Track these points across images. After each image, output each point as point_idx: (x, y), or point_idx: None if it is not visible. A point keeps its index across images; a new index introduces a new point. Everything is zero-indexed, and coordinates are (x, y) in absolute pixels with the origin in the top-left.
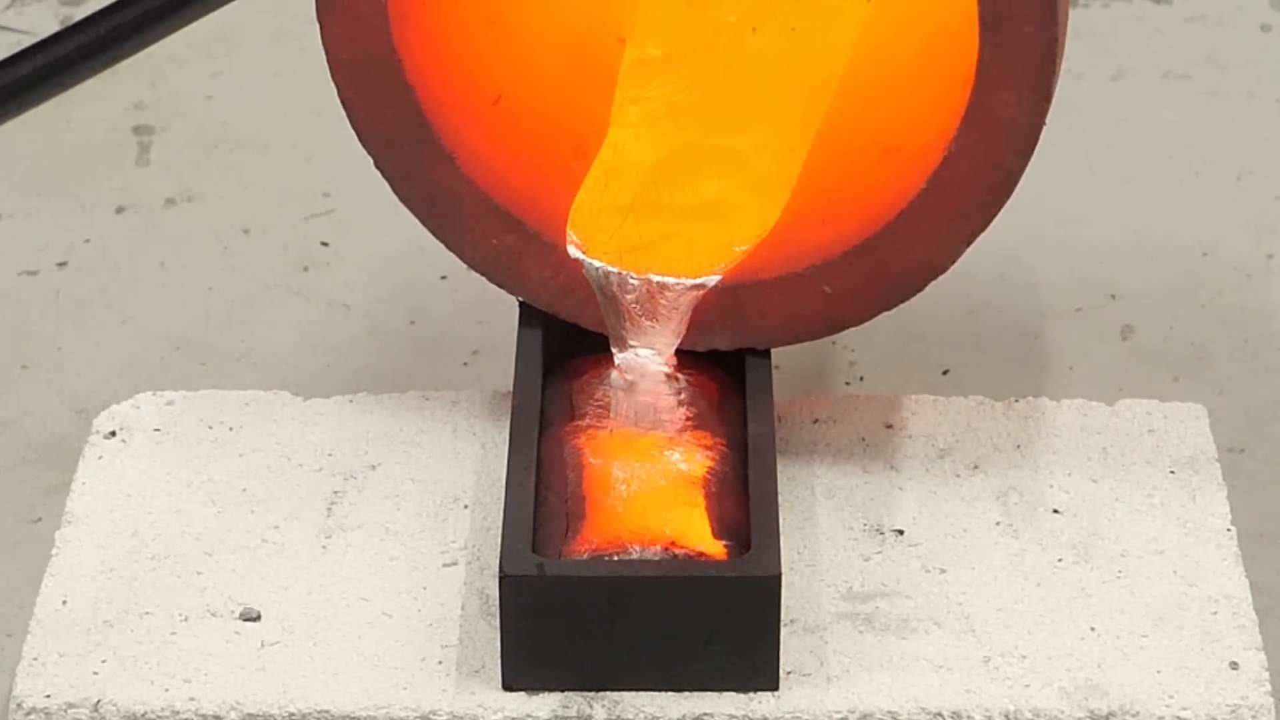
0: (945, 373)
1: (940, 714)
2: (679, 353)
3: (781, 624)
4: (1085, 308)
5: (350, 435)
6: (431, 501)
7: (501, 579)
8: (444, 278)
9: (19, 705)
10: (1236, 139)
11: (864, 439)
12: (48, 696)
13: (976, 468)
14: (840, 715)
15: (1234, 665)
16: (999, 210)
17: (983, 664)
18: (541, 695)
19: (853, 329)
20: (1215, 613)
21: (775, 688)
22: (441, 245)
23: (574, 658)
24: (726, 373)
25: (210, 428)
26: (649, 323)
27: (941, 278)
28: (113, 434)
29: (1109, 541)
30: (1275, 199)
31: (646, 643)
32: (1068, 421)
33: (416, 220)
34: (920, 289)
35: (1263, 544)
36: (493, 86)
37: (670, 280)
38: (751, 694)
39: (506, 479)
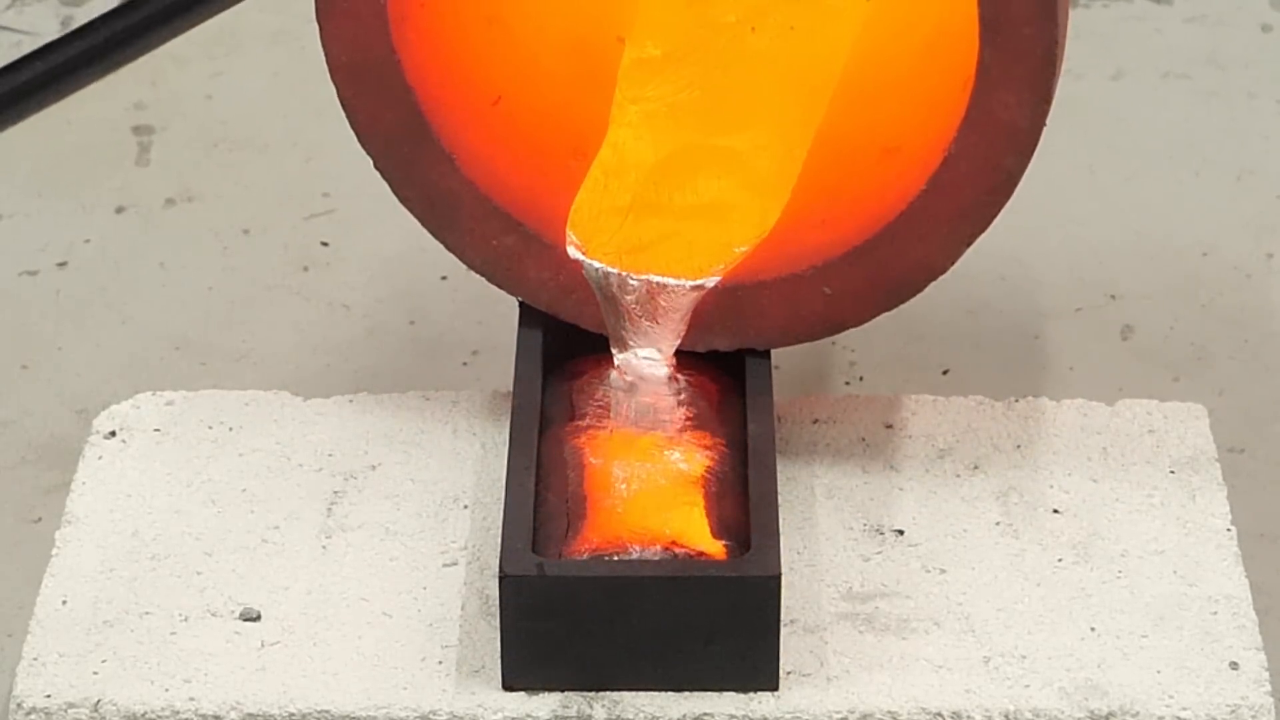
0: (945, 373)
1: (940, 714)
2: (679, 353)
3: (781, 624)
4: (1085, 308)
5: (350, 435)
6: (431, 501)
7: (501, 579)
8: (444, 278)
9: (19, 705)
10: (1236, 139)
11: (864, 439)
12: (48, 696)
13: (976, 468)
14: (840, 715)
15: (1234, 665)
16: (999, 211)
17: (983, 664)
18: (541, 695)
19: (852, 329)
20: (1215, 613)
21: (775, 688)
22: (441, 245)
23: (574, 658)
24: (726, 373)
25: (210, 428)
26: (649, 323)
27: (941, 278)
28: (113, 434)
29: (1109, 541)
30: (1275, 199)
31: (646, 643)
32: (1068, 421)
33: (416, 221)
34: (920, 290)
35: (1263, 544)
36: (492, 87)
37: (670, 281)
38: (751, 694)
39: (506, 479)
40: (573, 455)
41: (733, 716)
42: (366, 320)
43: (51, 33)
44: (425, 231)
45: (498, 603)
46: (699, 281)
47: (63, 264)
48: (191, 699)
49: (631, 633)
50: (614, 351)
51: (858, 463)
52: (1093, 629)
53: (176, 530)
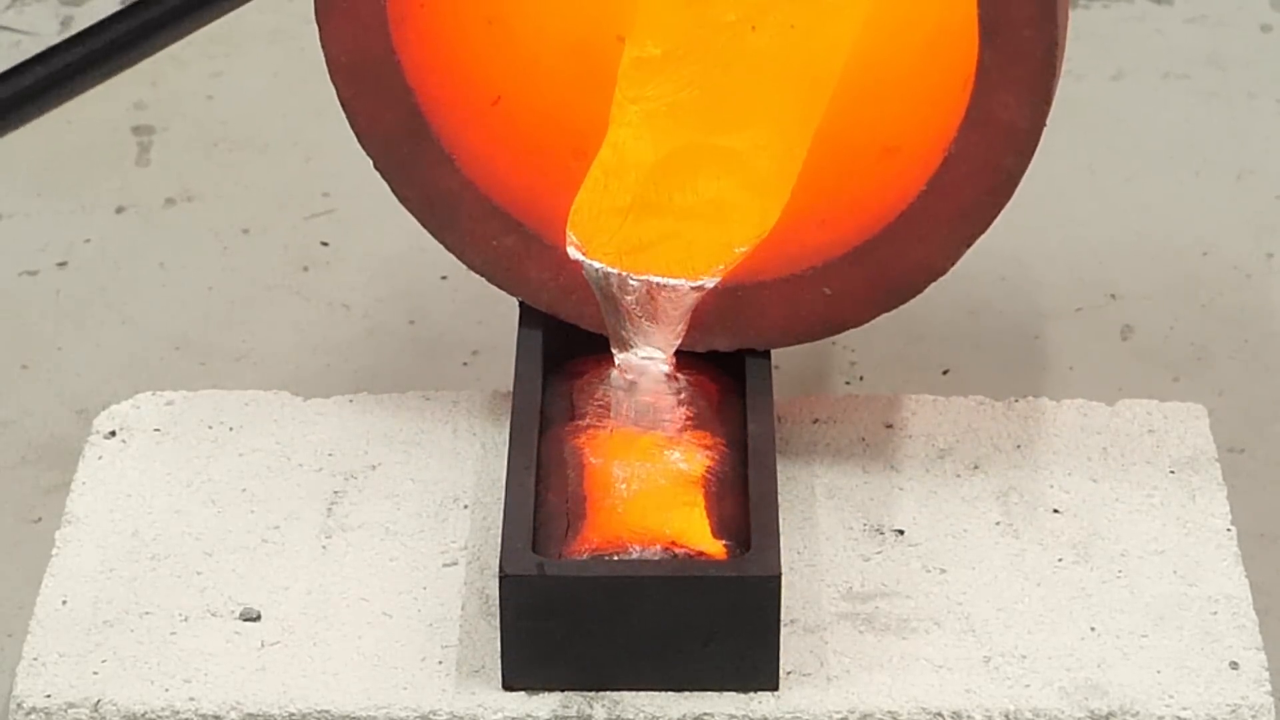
0: (945, 373)
1: (940, 714)
2: (679, 353)
3: (781, 624)
4: (1085, 308)
5: (350, 435)
6: (431, 501)
7: (501, 579)
8: (444, 278)
9: (19, 705)
10: (1236, 139)
11: (864, 439)
12: (48, 696)
13: (976, 468)
14: (840, 715)
15: (1234, 665)
16: (999, 212)
17: (983, 664)
18: (541, 695)
19: (852, 329)
20: (1215, 613)
21: (775, 688)
22: (441, 245)
23: (574, 658)
24: (726, 373)
25: (210, 428)
26: (649, 323)
27: (942, 278)
28: (113, 434)
29: (1109, 541)
30: (1275, 199)
31: (646, 643)
32: (1068, 421)
33: (416, 221)
34: (920, 290)
35: (1263, 544)
36: (492, 87)
37: (670, 281)
38: (751, 694)
39: (506, 479)
40: (573, 455)
41: (733, 716)
42: (366, 320)
43: (51, 32)
44: (425, 231)
45: (498, 603)
46: (699, 282)
47: (63, 264)
48: (191, 699)
49: (631, 633)
50: (614, 351)
51: (858, 463)
52: (1093, 629)
53: (176, 530)
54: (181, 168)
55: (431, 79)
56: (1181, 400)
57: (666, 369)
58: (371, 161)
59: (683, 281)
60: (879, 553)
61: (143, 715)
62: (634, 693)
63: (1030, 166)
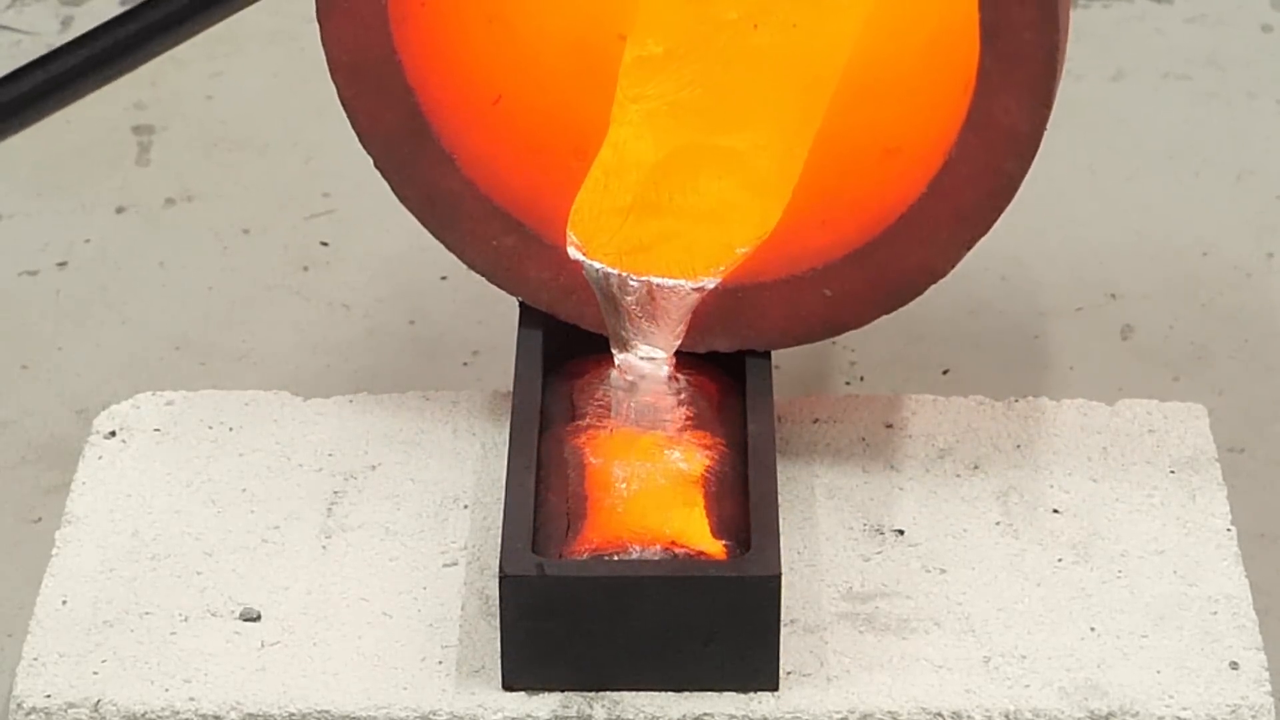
0: (945, 373)
1: (940, 714)
2: (679, 353)
3: (781, 624)
4: (1085, 308)
5: (350, 435)
6: (431, 501)
7: (501, 579)
8: (444, 278)
9: (19, 705)
10: (1236, 139)
11: (864, 439)
12: (48, 696)
13: (976, 468)
14: (840, 715)
15: (1234, 665)
16: (999, 215)
17: (983, 664)
18: (541, 695)
19: (852, 330)
20: (1215, 613)
21: (775, 688)
22: (441, 245)
23: (574, 658)
24: (726, 373)
25: (210, 428)
26: (649, 324)
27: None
28: (113, 434)
29: (1109, 541)
30: (1275, 199)
31: (646, 643)
32: (1068, 421)
33: (416, 221)
34: (920, 293)
35: (1263, 544)
36: (493, 86)
37: (670, 282)
38: (751, 694)
39: (506, 479)
40: (573, 455)
41: (733, 716)
42: (366, 320)
43: (51, 32)
44: (425, 231)
45: (498, 603)
46: (699, 283)
47: (63, 264)
48: (191, 699)
49: (631, 633)
50: (614, 351)
51: (858, 463)
52: (1093, 629)
53: (176, 530)
54: (181, 168)
55: (432, 78)
56: (1181, 400)
57: (666, 369)
58: (372, 161)
59: (683, 282)
60: (879, 553)
61: (143, 715)
62: (634, 693)
63: (1030, 167)
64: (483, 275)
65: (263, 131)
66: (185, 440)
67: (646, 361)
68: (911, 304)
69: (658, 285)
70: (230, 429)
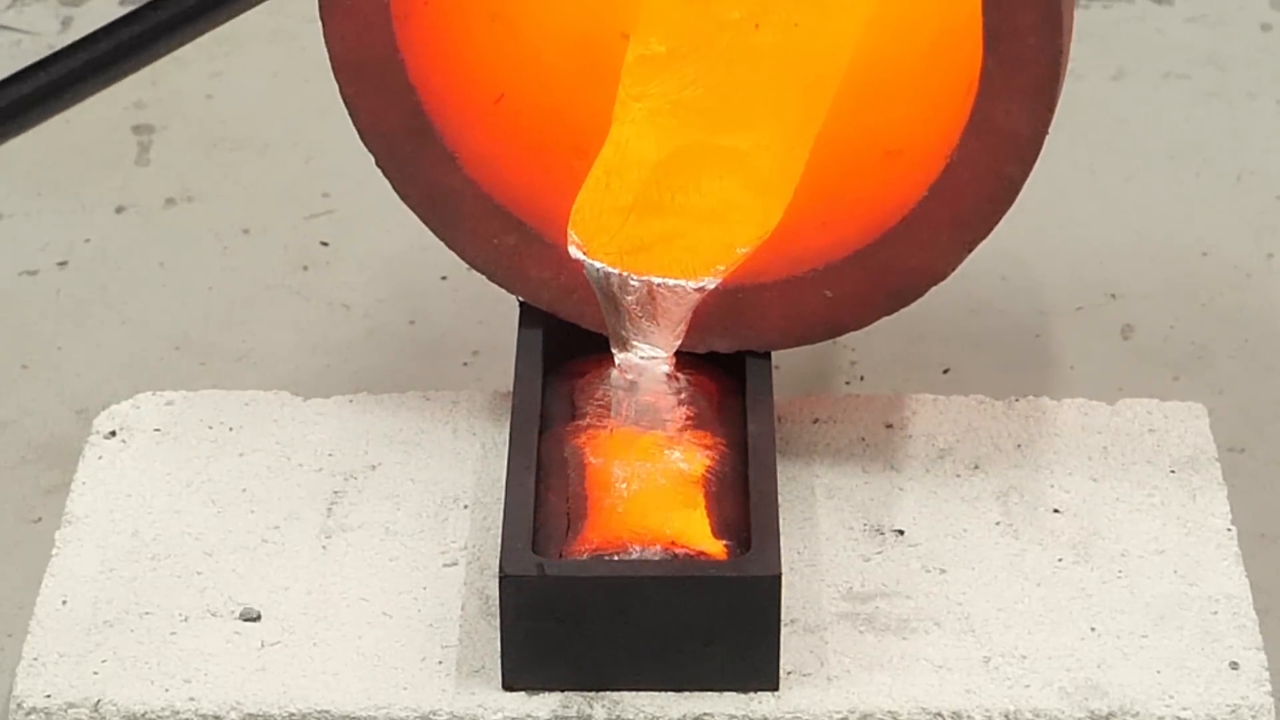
0: (946, 372)
1: (940, 714)
2: (679, 353)
3: (781, 624)
4: (1086, 307)
5: (350, 435)
6: (431, 501)
7: (501, 579)
8: (444, 278)
9: (19, 705)
10: (1236, 139)
11: (864, 439)
12: (48, 696)
13: (977, 467)
14: (840, 715)
15: (1234, 665)
16: (1000, 218)
17: (983, 664)
18: (541, 695)
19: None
20: (1215, 613)
21: (775, 688)
22: (442, 245)
23: (574, 658)
24: (726, 373)
25: (210, 428)
26: (649, 324)
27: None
28: (113, 434)
29: (1109, 541)
30: (1275, 199)
31: (646, 643)
32: (1068, 421)
33: (417, 220)
34: (921, 294)
35: (1263, 544)
36: (495, 85)
37: (671, 282)
38: (751, 694)
39: (506, 479)
40: (573, 455)
41: (733, 716)
42: (366, 320)
43: (51, 32)
44: (426, 231)
45: (498, 603)
46: (700, 283)
47: (63, 264)
48: (191, 699)
49: (631, 633)
50: (614, 351)
51: (858, 463)
52: (1093, 629)
53: (176, 530)
54: (181, 167)
55: (434, 77)
56: (1181, 400)
57: (667, 369)
58: (374, 159)
59: (684, 282)
60: (879, 553)
61: (143, 715)
62: (634, 693)
63: (1032, 171)
64: (483, 274)
65: (263, 131)
66: (185, 440)
67: (647, 361)
68: (912, 304)
69: (658, 285)
70: (230, 429)
